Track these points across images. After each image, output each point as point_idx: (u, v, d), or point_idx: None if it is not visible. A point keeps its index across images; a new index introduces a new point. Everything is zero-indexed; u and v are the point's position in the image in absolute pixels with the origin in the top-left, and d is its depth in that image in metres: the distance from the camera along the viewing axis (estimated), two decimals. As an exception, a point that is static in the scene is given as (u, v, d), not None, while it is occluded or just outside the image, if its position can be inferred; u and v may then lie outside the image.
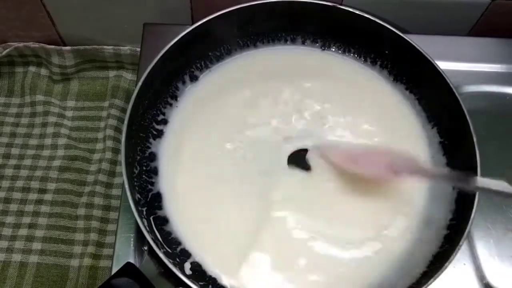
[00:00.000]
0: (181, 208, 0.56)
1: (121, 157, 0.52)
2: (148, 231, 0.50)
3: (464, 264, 0.59)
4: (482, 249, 0.59)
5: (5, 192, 0.78)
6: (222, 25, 0.62)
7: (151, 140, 0.59)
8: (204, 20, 0.59)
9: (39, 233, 0.75)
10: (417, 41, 0.60)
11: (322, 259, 0.54)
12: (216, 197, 0.57)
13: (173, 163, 0.58)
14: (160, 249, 0.49)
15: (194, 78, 0.64)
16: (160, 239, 0.53)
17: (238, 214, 0.56)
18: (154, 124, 0.60)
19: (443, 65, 0.60)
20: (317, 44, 0.67)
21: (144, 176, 0.57)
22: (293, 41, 0.67)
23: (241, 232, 0.55)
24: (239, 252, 0.54)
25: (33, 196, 0.77)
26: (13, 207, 0.77)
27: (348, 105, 0.63)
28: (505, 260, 0.59)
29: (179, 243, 0.54)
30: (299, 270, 0.53)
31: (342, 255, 0.54)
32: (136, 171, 0.57)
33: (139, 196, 0.55)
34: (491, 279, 0.58)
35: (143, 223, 0.50)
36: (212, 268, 0.53)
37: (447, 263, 0.50)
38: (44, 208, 0.76)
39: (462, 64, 0.70)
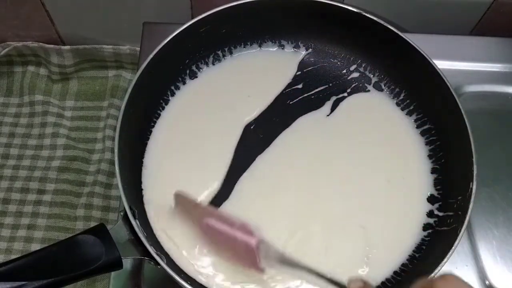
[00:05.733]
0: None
1: (115, 158, 0.53)
2: (141, 231, 0.49)
3: (467, 265, 0.58)
4: (485, 250, 0.59)
5: (4, 193, 0.77)
6: (222, 22, 0.61)
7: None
8: (203, 15, 0.59)
9: (38, 234, 0.75)
10: (418, 40, 0.59)
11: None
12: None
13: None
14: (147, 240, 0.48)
15: (192, 75, 0.63)
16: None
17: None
18: (150, 123, 0.60)
19: (444, 65, 0.60)
20: (313, 44, 0.66)
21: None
22: (294, 43, 0.66)
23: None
24: None
25: (32, 196, 0.77)
26: (12, 208, 0.77)
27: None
28: (508, 261, 0.59)
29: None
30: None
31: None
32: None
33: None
34: (493, 280, 0.58)
35: (136, 223, 0.50)
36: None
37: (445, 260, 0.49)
38: (43, 209, 0.76)
39: (464, 64, 0.70)
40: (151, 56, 0.56)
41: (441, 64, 0.58)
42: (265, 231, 0.51)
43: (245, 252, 0.48)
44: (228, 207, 0.56)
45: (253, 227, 0.48)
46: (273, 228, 0.54)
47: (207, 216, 0.50)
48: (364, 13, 0.60)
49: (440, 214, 0.56)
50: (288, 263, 0.47)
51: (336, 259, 0.54)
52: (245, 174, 0.58)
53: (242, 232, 0.48)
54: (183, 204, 0.53)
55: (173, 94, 0.62)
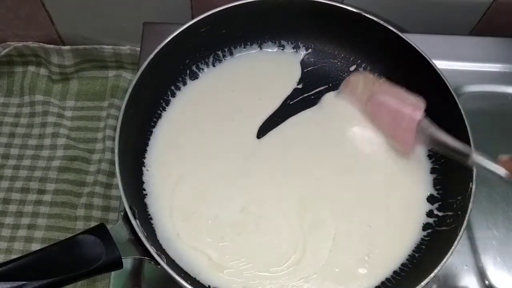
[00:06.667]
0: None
1: (115, 158, 0.53)
2: (141, 231, 0.49)
3: (467, 265, 0.58)
4: (485, 250, 0.59)
5: (4, 193, 0.77)
6: (222, 22, 0.61)
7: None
8: (203, 15, 0.59)
9: (38, 234, 0.75)
10: (418, 40, 0.59)
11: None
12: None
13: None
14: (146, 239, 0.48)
15: (193, 76, 0.63)
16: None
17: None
18: (151, 123, 0.60)
19: (444, 65, 0.59)
20: (313, 44, 0.66)
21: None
22: (292, 44, 0.66)
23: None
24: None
25: (32, 196, 0.77)
26: (12, 208, 0.77)
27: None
28: (508, 261, 0.59)
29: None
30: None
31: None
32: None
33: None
34: (493, 280, 0.58)
35: (136, 223, 0.50)
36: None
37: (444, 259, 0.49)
38: (43, 209, 0.76)
39: (464, 64, 0.70)
40: (151, 56, 0.56)
41: (441, 64, 0.58)
42: (273, 213, 0.55)
43: (406, 125, 0.55)
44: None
45: (424, 105, 0.55)
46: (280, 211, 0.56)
47: (383, 92, 0.58)
48: (364, 13, 0.60)
49: (440, 214, 0.56)
50: (439, 144, 0.53)
51: (339, 256, 0.54)
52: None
53: (412, 109, 0.55)
54: (365, 81, 0.60)
55: (173, 94, 0.62)
